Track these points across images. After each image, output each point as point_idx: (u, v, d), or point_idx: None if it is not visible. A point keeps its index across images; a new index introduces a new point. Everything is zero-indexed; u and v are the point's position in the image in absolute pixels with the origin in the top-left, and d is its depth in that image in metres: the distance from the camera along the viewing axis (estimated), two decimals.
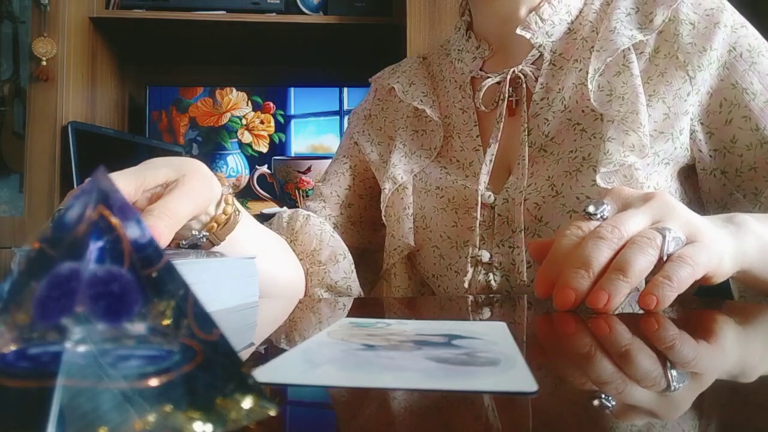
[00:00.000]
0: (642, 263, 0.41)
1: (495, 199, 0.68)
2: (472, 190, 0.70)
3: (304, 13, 1.81)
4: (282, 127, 1.97)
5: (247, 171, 1.94)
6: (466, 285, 0.68)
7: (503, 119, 0.70)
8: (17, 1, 1.93)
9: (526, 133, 0.68)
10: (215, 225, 0.54)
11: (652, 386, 0.23)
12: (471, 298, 0.60)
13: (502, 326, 0.33)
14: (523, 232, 0.65)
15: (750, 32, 0.67)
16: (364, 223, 0.82)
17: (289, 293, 0.65)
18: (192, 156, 1.94)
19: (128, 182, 0.44)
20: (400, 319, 0.36)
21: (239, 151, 1.94)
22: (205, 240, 0.53)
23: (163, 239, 0.42)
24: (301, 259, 0.70)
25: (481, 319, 0.43)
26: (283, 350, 0.26)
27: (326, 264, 0.70)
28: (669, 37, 0.66)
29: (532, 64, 0.71)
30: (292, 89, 1.98)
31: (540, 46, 0.71)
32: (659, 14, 0.66)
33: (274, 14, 1.77)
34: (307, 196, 1.89)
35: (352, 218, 0.81)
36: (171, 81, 1.99)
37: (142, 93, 1.96)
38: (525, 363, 0.24)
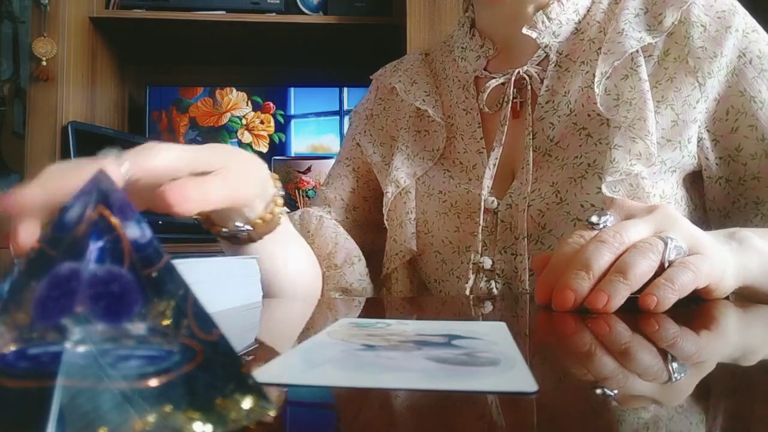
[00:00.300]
0: (643, 266, 0.42)
1: (498, 205, 0.67)
2: (475, 195, 0.69)
3: (304, 13, 1.81)
4: (282, 127, 1.97)
5: None
6: (467, 291, 0.67)
7: (507, 122, 0.69)
8: (17, 1, 1.93)
9: (531, 137, 0.67)
10: (260, 222, 0.54)
11: (653, 381, 0.23)
12: (471, 296, 0.60)
13: (502, 326, 0.33)
14: (526, 239, 0.64)
15: (761, 37, 0.65)
16: (369, 226, 0.81)
17: (307, 296, 0.65)
18: None
19: (181, 156, 0.42)
20: (400, 319, 0.36)
21: None
22: (245, 234, 0.54)
23: (185, 206, 0.39)
24: None
25: (481, 319, 0.43)
26: (283, 350, 0.26)
27: (341, 267, 0.69)
28: (679, 39, 0.65)
29: (537, 65, 0.70)
30: (292, 89, 1.98)
31: (546, 46, 0.69)
32: (669, 15, 0.65)
33: (274, 14, 1.77)
34: (307, 196, 1.89)
35: (358, 221, 0.80)
36: (171, 81, 1.99)
37: (142, 93, 1.96)
38: (525, 363, 0.24)
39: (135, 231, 0.18)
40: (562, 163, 0.65)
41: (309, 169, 1.91)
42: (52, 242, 0.17)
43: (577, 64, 0.68)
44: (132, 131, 1.97)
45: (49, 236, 0.17)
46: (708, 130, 0.64)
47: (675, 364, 0.27)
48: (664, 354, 0.30)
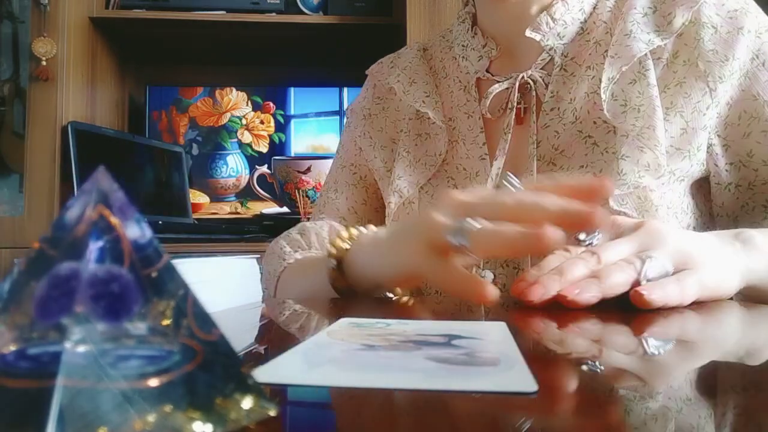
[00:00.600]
0: (618, 277, 0.42)
1: None
2: None
3: (304, 13, 1.81)
4: (282, 127, 1.97)
5: (247, 171, 1.94)
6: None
7: (511, 130, 0.66)
8: (17, 1, 1.93)
9: (535, 146, 0.65)
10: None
11: (653, 381, 0.23)
12: None
13: (502, 326, 0.33)
14: None
15: None
16: None
17: None
18: (192, 156, 1.94)
19: None
20: (400, 319, 0.36)
21: (239, 151, 1.95)
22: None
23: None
24: None
25: (481, 320, 0.43)
26: (283, 350, 0.26)
27: None
28: (689, 41, 0.62)
29: (542, 68, 0.67)
30: (292, 89, 1.98)
31: (551, 49, 0.66)
32: (679, 16, 0.62)
33: (274, 14, 1.77)
34: (307, 196, 1.89)
35: None
36: (171, 81, 1.99)
37: (142, 93, 1.96)
38: (525, 363, 0.24)
39: (135, 231, 0.18)
40: (567, 173, 0.63)
41: (309, 169, 1.91)
42: (52, 242, 0.17)
43: (583, 68, 0.65)
44: (132, 131, 1.98)
45: (49, 236, 0.17)
46: (719, 135, 0.62)
47: (676, 364, 0.27)
48: (665, 354, 0.30)
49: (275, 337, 0.38)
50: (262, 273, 0.64)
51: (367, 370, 0.24)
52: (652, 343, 0.33)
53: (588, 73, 0.65)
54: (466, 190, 0.47)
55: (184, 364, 0.17)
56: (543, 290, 0.42)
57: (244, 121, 1.95)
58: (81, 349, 0.15)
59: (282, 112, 1.97)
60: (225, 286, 0.47)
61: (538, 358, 0.28)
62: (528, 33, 0.66)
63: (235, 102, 1.96)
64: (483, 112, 0.69)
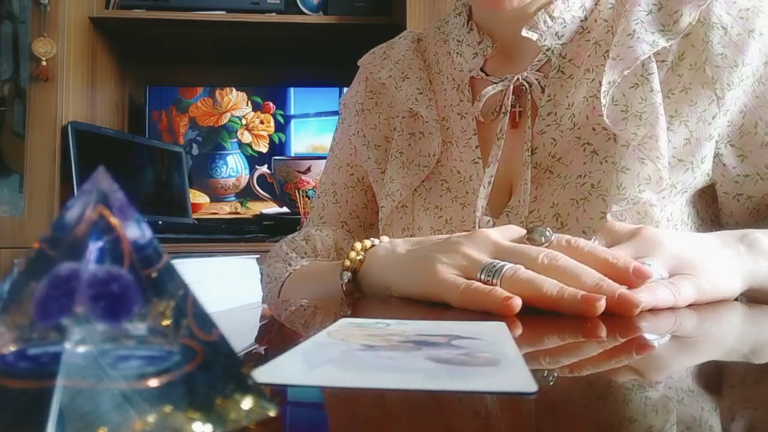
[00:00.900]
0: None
1: (494, 225, 0.63)
2: (470, 212, 0.64)
3: (304, 13, 1.81)
4: (282, 127, 1.97)
5: (247, 171, 1.94)
6: None
7: (504, 135, 0.63)
8: (17, 1, 1.93)
9: (530, 152, 0.62)
10: None
11: (654, 381, 0.23)
12: None
13: (502, 326, 0.33)
14: None
15: None
16: None
17: None
18: (192, 156, 1.94)
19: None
20: (400, 319, 0.36)
21: (239, 151, 1.95)
22: None
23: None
24: None
25: (481, 319, 0.43)
26: (283, 350, 0.26)
27: None
28: (697, 42, 0.58)
29: (538, 70, 0.64)
30: (291, 89, 1.98)
31: (548, 49, 0.63)
32: (686, 14, 0.58)
33: (274, 14, 1.77)
34: (307, 196, 1.89)
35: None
36: (171, 81, 1.99)
37: (142, 93, 1.96)
38: (524, 363, 0.24)
39: (135, 231, 0.18)
40: (564, 182, 0.60)
41: (309, 169, 1.91)
42: (52, 242, 0.17)
43: (582, 71, 0.62)
44: (132, 131, 1.98)
45: (49, 236, 0.17)
46: (732, 145, 0.59)
47: (677, 361, 0.27)
48: (666, 355, 0.30)
49: (275, 338, 0.38)
50: (262, 274, 0.65)
51: (367, 371, 0.24)
52: (654, 341, 0.33)
53: (587, 76, 0.62)
54: (499, 230, 0.47)
55: (184, 364, 0.17)
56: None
57: (244, 121, 1.95)
58: (81, 349, 0.15)
59: (282, 112, 1.97)
60: (225, 286, 0.47)
61: (538, 359, 0.28)
62: (524, 32, 0.62)
63: (235, 102, 1.96)
64: (476, 114, 0.66)
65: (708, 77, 0.58)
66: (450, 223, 0.66)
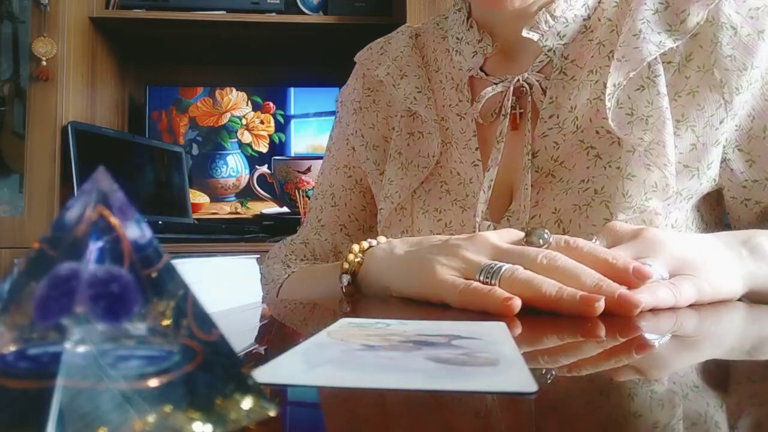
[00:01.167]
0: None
1: (494, 229, 0.60)
2: (469, 216, 0.63)
3: (304, 13, 1.81)
4: (282, 127, 1.97)
5: (247, 171, 1.94)
6: None
7: (504, 138, 0.61)
8: (17, 1, 1.93)
9: (530, 156, 0.60)
10: None
11: (654, 382, 0.23)
12: None
13: (502, 326, 0.33)
14: None
15: None
16: None
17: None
18: (192, 156, 1.94)
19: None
20: (400, 319, 0.36)
21: (239, 151, 1.95)
22: None
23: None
24: None
25: (481, 319, 0.43)
26: (283, 350, 0.26)
27: None
28: (705, 43, 0.57)
29: (539, 71, 0.62)
30: (291, 89, 1.98)
31: (550, 50, 0.61)
32: (694, 14, 0.56)
33: (274, 14, 1.77)
34: (307, 196, 1.89)
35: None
36: (171, 81, 1.99)
37: (142, 93, 1.96)
38: (524, 363, 0.24)
39: (135, 231, 0.18)
40: (567, 187, 0.59)
41: (309, 169, 1.91)
42: (52, 242, 0.17)
43: (585, 72, 0.60)
44: (132, 131, 1.98)
45: (49, 236, 0.17)
46: (740, 150, 0.58)
47: (679, 360, 0.27)
48: (666, 354, 0.30)
49: (275, 338, 0.38)
50: (261, 274, 0.64)
51: (367, 371, 0.24)
52: (654, 341, 0.33)
53: (590, 77, 0.60)
54: (498, 233, 0.47)
55: (184, 364, 0.17)
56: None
57: (244, 121, 1.95)
58: (81, 349, 0.15)
59: (282, 112, 1.97)
60: (225, 286, 0.47)
61: (538, 359, 0.28)
62: (525, 33, 0.61)
63: (235, 102, 1.96)
64: (475, 116, 0.65)
65: (716, 80, 0.56)
66: (450, 227, 0.65)
